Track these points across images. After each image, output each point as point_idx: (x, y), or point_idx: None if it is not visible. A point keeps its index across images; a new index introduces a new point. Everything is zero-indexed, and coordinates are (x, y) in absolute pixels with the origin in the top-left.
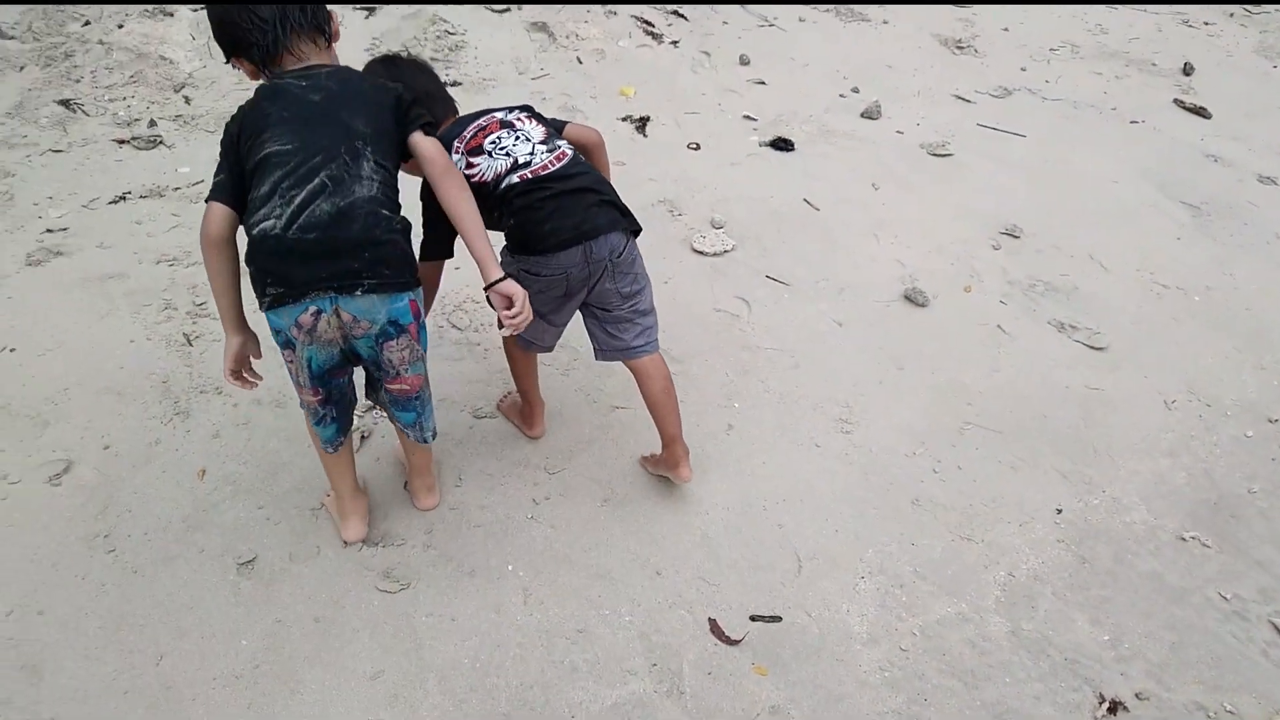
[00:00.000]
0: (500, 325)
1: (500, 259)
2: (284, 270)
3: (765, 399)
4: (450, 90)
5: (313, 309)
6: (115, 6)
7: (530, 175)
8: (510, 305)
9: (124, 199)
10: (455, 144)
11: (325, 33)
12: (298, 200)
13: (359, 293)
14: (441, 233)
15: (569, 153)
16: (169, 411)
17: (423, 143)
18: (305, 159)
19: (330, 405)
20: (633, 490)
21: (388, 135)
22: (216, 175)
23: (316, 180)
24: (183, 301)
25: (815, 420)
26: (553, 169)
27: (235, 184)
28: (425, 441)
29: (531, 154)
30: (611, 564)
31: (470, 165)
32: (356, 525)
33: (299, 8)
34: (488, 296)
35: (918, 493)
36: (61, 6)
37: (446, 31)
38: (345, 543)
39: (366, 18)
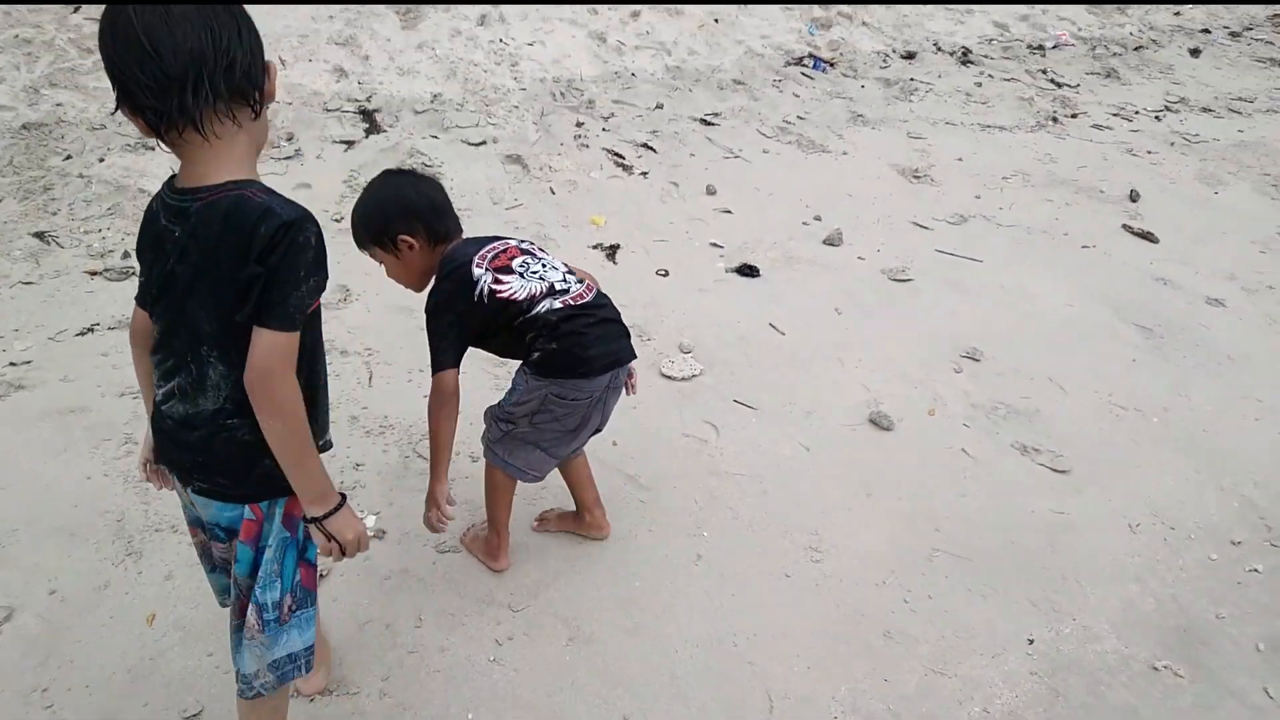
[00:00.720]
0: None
1: (524, 380)
2: (154, 438)
3: (734, 527)
4: None
5: (172, 477)
6: (98, 141)
7: (572, 302)
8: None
9: (92, 330)
10: (475, 259)
11: (252, 101)
12: (162, 390)
13: (191, 490)
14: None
15: (594, 284)
16: (121, 552)
17: (260, 342)
18: (165, 354)
19: (207, 558)
20: (599, 627)
21: (242, 333)
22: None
23: (173, 382)
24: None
25: (785, 549)
26: (588, 298)
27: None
28: (240, 694)
29: (565, 282)
30: (578, 709)
31: (499, 281)
32: (314, 678)
33: (225, 70)
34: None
35: (889, 624)
36: (44, 141)
37: (424, 164)
38: (296, 693)
39: (345, 150)
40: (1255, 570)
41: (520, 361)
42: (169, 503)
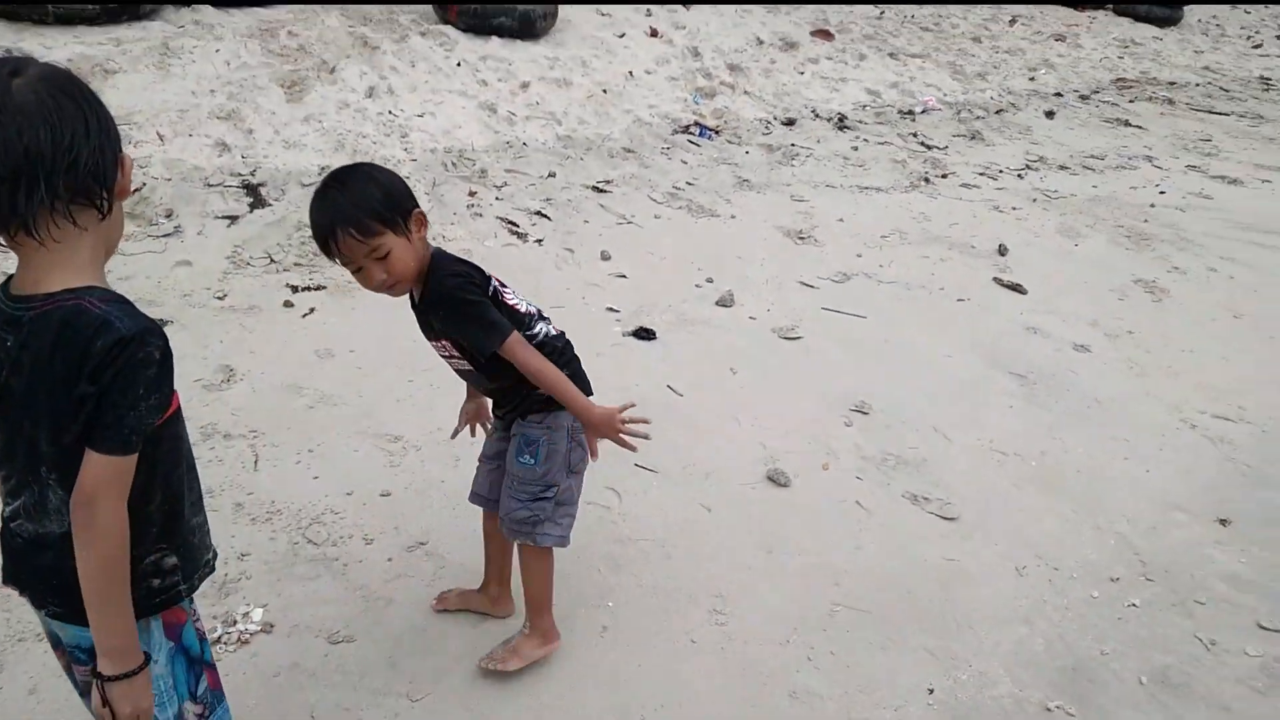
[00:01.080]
0: None
1: (539, 430)
2: (3, 556)
3: (639, 594)
4: (317, 294)
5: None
6: None
7: (557, 330)
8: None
9: None
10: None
11: (98, 202)
12: (9, 508)
13: (44, 613)
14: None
15: None
16: None
17: (89, 465)
18: (8, 470)
19: (73, 680)
20: (504, 711)
21: (80, 455)
22: None
23: (19, 501)
24: None
25: (690, 613)
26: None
27: None
28: None
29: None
30: None
31: (504, 285)
32: None
33: (66, 170)
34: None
35: (794, 684)
36: None
37: (311, 237)
38: None
39: (229, 226)
40: (1133, 605)
41: (508, 417)
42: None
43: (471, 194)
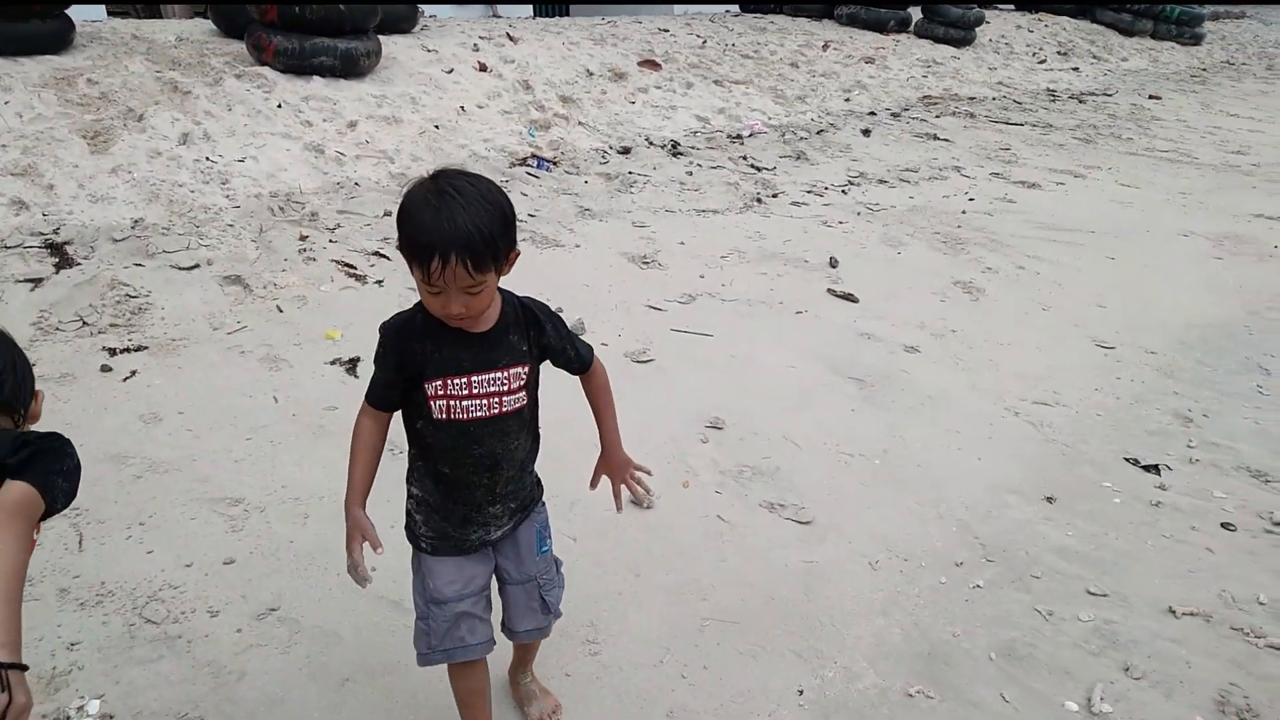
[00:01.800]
0: None
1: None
2: None
3: None
4: (138, 355)
5: None
6: None
7: None
8: None
9: None
10: None
11: (16, 419)
12: None
13: None
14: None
15: None
16: None
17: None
18: None
19: None
20: None
21: None
22: None
23: None
24: None
25: (564, 648)
26: None
27: None
28: None
29: None
30: None
31: None
32: None
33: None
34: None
35: (671, 703)
36: None
37: (127, 295)
38: None
39: (32, 290)
40: (978, 586)
41: (516, 513)
42: None
43: (303, 238)
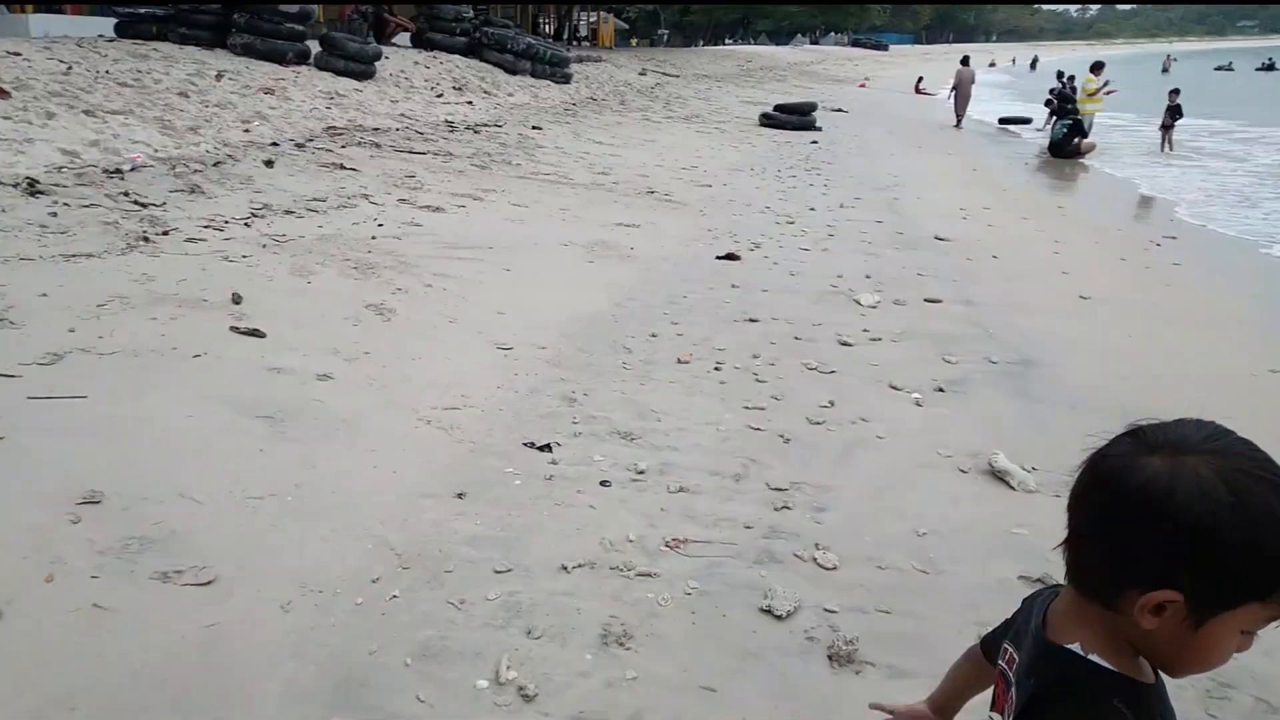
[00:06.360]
0: None
1: None
2: None
3: None
4: None
5: None
6: None
7: None
8: None
9: None
10: None
11: None
12: None
13: None
14: None
15: None
16: None
17: None
18: None
19: None
20: None
21: None
22: None
23: None
24: None
25: None
26: None
27: None
28: None
29: None
30: None
31: None
32: None
33: None
34: None
35: None
36: None
37: None
38: None
39: None
40: (395, 597)
41: None
42: None
43: None
